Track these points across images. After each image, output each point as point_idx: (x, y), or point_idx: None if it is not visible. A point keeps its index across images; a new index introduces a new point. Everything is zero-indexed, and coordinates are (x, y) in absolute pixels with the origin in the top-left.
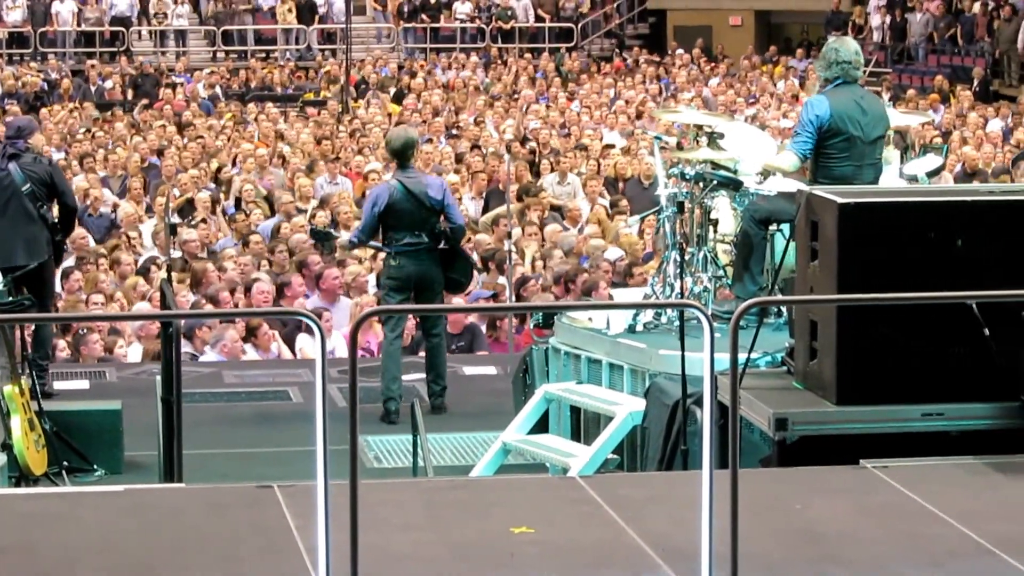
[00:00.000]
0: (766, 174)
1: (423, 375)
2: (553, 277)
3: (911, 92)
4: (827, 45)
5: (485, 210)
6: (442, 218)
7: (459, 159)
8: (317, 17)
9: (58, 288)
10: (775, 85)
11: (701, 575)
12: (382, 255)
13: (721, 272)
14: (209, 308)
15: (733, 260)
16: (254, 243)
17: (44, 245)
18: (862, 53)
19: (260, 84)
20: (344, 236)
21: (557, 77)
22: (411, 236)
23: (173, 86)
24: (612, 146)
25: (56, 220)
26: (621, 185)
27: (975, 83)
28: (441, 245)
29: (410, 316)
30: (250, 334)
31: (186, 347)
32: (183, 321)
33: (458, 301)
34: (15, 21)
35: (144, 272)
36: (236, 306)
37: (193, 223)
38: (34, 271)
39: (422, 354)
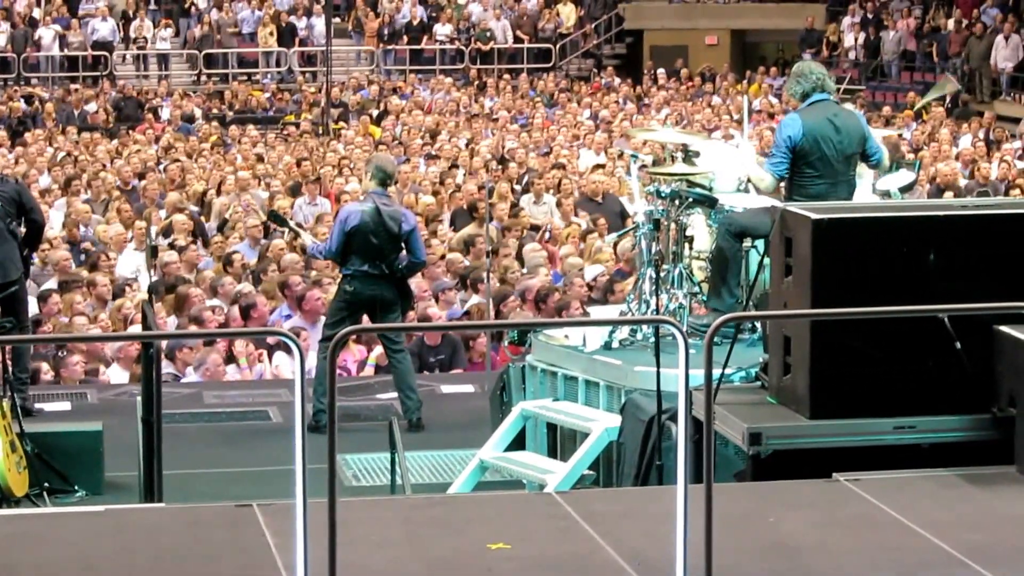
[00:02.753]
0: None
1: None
2: (520, 293)
3: (886, 109)
4: (797, 65)
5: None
6: (403, 252)
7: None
8: (297, 40)
9: (35, 309)
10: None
11: None
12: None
13: (696, 288)
14: (193, 329)
15: (708, 276)
16: (237, 261)
17: (17, 262)
18: (835, 73)
19: (241, 106)
20: (305, 236)
21: (536, 98)
22: (371, 266)
23: (155, 110)
24: (602, 166)
25: (23, 237)
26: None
27: (947, 100)
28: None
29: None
30: (231, 359)
31: (168, 368)
32: (164, 342)
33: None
34: None
35: (119, 295)
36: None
37: (175, 245)
38: (10, 290)
39: None
